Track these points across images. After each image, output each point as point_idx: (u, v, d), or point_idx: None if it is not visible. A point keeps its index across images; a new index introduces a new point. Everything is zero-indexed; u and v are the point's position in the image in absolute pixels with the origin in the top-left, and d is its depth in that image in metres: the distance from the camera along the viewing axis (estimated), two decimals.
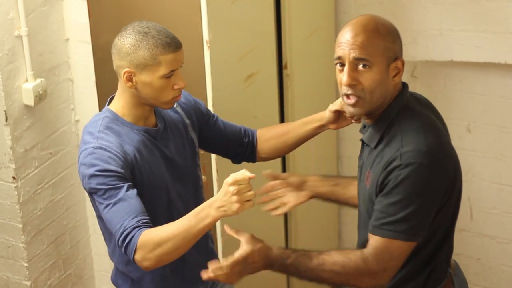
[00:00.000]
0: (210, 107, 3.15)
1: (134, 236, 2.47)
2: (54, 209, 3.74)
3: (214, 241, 3.05)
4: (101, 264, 3.94)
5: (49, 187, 3.70)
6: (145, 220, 2.50)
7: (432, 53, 3.93)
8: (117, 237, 2.50)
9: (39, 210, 3.66)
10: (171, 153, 2.75)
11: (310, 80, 3.85)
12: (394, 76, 2.45)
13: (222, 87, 3.21)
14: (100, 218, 2.70)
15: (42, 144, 3.61)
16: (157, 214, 2.66)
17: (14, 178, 3.50)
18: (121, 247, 2.51)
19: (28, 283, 3.66)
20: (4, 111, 3.39)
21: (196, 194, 2.86)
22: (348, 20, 3.98)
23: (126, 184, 2.54)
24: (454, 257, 4.33)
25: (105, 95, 3.46)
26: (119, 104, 2.70)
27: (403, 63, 2.47)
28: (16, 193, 3.53)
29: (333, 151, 4.17)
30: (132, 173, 2.61)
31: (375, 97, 2.44)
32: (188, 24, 3.14)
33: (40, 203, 3.66)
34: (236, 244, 2.94)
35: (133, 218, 2.49)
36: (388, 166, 2.40)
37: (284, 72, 3.63)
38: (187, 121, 2.84)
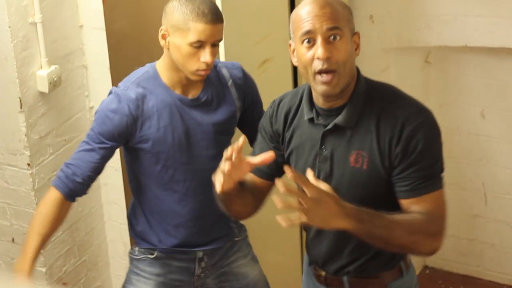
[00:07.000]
0: None
1: (58, 181, 2.85)
2: None
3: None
4: (116, 251, 3.94)
5: None
6: (85, 176, 2.83)
7: (446, 38, 3.92)
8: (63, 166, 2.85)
9: None
10: (194, 124, 2.83)
11: None
12: (356, 49, 2.48)
13: None
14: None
15: (57, 131, 3.62)
16: (153, 172, 2.85)
17: (29, 165, 3.51)
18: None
19: (44, 269, 3.67)
20: (19, 98, 3.39)
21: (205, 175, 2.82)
22: (363, 4, 4.01)
23: (111, 144, 2.80)
24: (468, 242, 4.35)
25: (119, 81, 3.48)
26: (160, 64, 2.83)
27: (359, 36, 2.49)
28: (31, 180, 3.53)
29: None
30: (141, 126, 2.78)
31: (347, 70, 2.44)
32: None
33: None
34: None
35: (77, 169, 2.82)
36: (401, 136, 2.40)
37: None
38: (237, 104, 2.92)
